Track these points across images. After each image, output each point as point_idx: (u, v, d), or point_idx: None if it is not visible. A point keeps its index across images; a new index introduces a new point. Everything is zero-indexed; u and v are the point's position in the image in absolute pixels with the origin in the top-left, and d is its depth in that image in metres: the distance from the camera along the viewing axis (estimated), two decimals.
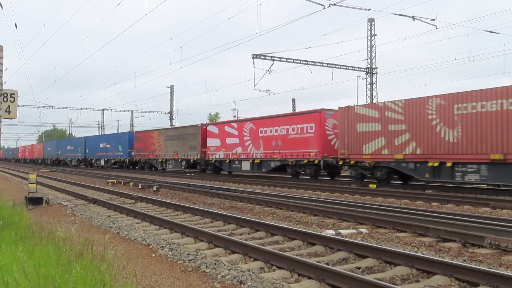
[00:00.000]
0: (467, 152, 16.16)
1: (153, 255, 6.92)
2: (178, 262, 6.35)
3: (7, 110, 8.86)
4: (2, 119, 8.86)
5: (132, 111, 67.11)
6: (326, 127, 22.99)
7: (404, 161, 18.43)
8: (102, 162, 47.35)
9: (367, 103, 34.75)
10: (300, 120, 24.35)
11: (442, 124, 17.01)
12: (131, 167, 42.87)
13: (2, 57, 8.32)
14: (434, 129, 17.26)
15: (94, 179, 28.29)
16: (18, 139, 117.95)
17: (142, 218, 10.46)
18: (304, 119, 24.04)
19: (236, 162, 28.95)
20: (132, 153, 41.60)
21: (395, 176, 20.75)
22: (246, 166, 27.86)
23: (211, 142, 31.22)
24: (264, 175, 25.53)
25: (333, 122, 22.85)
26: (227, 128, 30.06)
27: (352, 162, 20.89)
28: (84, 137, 54.24)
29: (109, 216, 11.21)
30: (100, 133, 66.07)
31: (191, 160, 33.35)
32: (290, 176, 25.64)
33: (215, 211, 10.98)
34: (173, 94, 60.87)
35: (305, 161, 23.78)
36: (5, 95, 8.77)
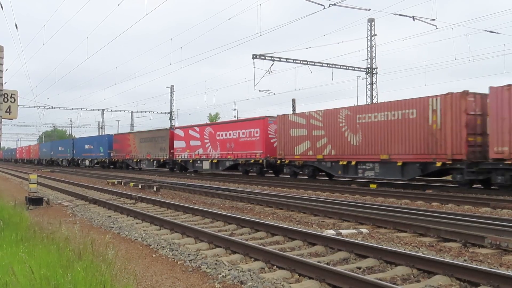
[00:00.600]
0: (366, 153, 20.01)
1: (154, 255, 6.92)
2: (179, 263, 6.35)
3: (8, 110, 8.86)
4: (3, 120, 8.86)
5: (132, 112, 67.17)
6: (269, 132, 26.71)
7: (324, 160, 22.29)
8: (87, 162, 51.23)
9: (366, 103, 34.77)
10: (249, 125, 28.20)
11: (349, 130, 20.86)
12: (111, 166, 46.28)
13: (3, 58, 8.33)
14: (343, 134, 21.08)
15: (94, 179, 28.29)
16: (18, 140, 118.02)
17: (143, 219, 10.46)
18: (252, 125, 27.87)
19: (198, 161, 32.91)
20: (112, 154, 45.32)
21: (321, 173, 24.23)
22: (206, 165, 31.91)
23: (178, 144, 35.22)
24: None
25: (275, 127, 26.34)
26: (191, 132, 34.03)
27: (286, 162, 24.90)
28: (72, 139, 58.91)
29: (110, 216, 11.21)
30: (100, 134, 66.17)
31: (161, 160, 37.55)
32: (241, 173, 29.34)
33: (216, 211, 10.99)
34: (173, 94, 60.91)
35: (252, 161, 27.61)
36: (6, 95, 8.78)
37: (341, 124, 21.24)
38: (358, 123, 20.36)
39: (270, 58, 30.78)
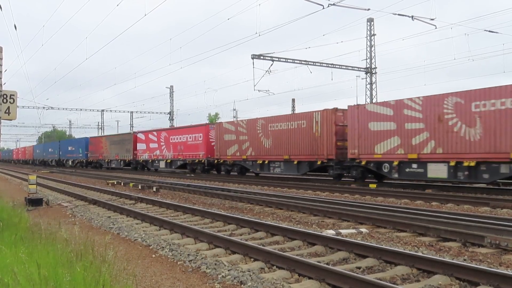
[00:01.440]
0: (275, 154, 25.23)
1: (153, 255, 6.92)
2: (178, 263, 6.35)
3: (7, 111, 8.85)
4: (2, 120, 8.85)
5: (131, 112, 67.13)
6: (210, 136, 31.47)
7: (247, 160, 27.52)
8: (70, 162, 56.49)
9: (366, 102, 34.76)
10: (194, 131, 33.16)
11: (263, 136, 26.09)
12: (89, 166, 51.57)
13: (2, 58, 8.31)
14: (260, 139, 26.31)
15: (94, 180, 28.28)
16: (18, 140, 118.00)
17: (142, 219, 10.45)
18: (196, 131, 32.90)
19: (156, 161, 38.12)
20: (88, 155, 50.84)
21: (250, 171, 29.03)
22: (162, 164, 37.16)
23: (140, 146, 40.66)
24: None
25: (216, 132, 30.84)
26: (150, 136, 39.30)
27: (221, 161, 30.15)
28: (59, 141, 63.87)
29: (109, 217, 11.21)
30: (99, 134, 66.31)
31: (127, 160, 42.70)
32: (189, 171, 34.08)
33: (215, 212, 10.98)
34: (172, 94, 60.90)
35: (197, 161, 32.64)
36: (5, 96, 8.77)
37: (258, 131, 26.52)
38: (269, 131, 25.63)
39: (270, 58, 30.80)
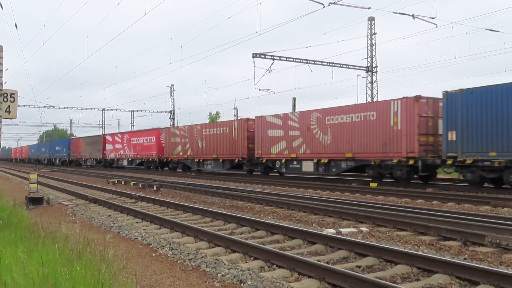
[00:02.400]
0: (207, 154, 31.33)
1: (153, 254, 6.92)
2: (178, 262, 6.34)
3: (7, 110, 8.84)
4: (3, 119, 8.85)
5: (132, 111, 67.15)
6: (161, 139, 37.52)
7: (188, 158, 33.83)
8: (57, 161, 61.85)
9: (366, 101, 34.72)
10: (149, 134, 40.06)
11: (199, 139, 32.23)
12: (71, 164, 57.50)
13: (2, 57, 8.31)
14: (197, 142, 32.49)
15: (95, 178, 28.30)
16: (19, 139, 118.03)
17: (143, 218, 10.46)
18: (150, 134, 39.71)
19: (120, 160, 44.59)
20: (70, 154, 56.90)
21: (190, 169, 34.77)
22: (125, 162, 43.62)
23: (108, 147, 46.97)
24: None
25: (165, 135, 36.93)
26: (116, 138, 46.01)
27: (169, 159, 36.54)
28: (49, 142, 71.32)
29: (110, 215, 11.21)
30: (100, 133, 66.51)
31: (98, 159, 49.12)
32: (145, 168, 40.50)
33: (216, 210, 10.98)
34: (173, 93, 60.90)
35: (150, 159, 39.18)
36: (5, 95, 8.76)
37: (196, 135, 32.65)
38: (203, 135, 31.77)
39: (270, 57, 30.77)
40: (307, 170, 23.32)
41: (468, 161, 16.27)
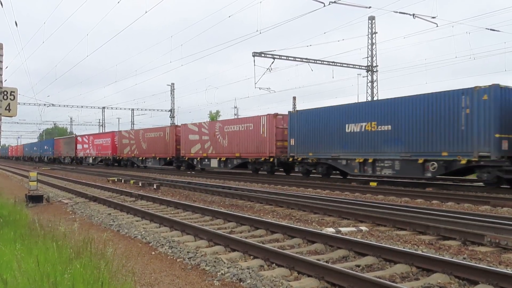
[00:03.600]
0: (148, 153, 39.60)
1: (153, 253, 6.93)
2: (178, 260, 6.35)
3: (7, 108, 8.85)
4: (2, 117, 8.85)
5: (132, 109, 67.15)
6: (115, 140, 45.31)
7: (135, 157, 41.88)
8: (45, 159, 68.40)
9: (367, 100, 34.71)
10: (106, 136, 48.40)
11: (142, 141, 40.08)
12: (55, 161, 64.21)
13: (2, 55, 8.31)
14: (141, 143, 40.38)
15: (95, 177, 28.31)
16: (19, 137, 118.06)
17: (142, 216, 10.46)
18: (107, 136, 47.91)
19: (87, 158, 52.93)
20: (54, 152, 63.92)
21: (135, 165, 43.57)
22: (90, 160, 52.04)
23: (79, 146, 54.86)
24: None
25: (117, 137, 45.04)
26: (84, 139, 54.13)
27: (121, 158, 44.47)
28: (41, 141, 79.49)
29: (110, 214, 11.22)
30: (100, 131, 66.63)
31: (72, 157, 56.58)
32: (105, 165, 47.66)
33: (215, 209, 10.99)
34: (173, 92, 60.91)
35: (106, 157, 47.08)
36: (5, 93, 8.77)
37: (140, 138, 40.73)
38: (146, 138, 39.85)
39: (271, 56, 30.75)
40: (214, 166, 31.62)
41: (299, 159, 23.89)
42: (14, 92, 8.97)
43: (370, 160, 19.99)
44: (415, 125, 18.18)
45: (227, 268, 5.66)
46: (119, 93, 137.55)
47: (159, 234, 8.24)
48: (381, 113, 19.74)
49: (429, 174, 17.89)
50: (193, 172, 32.27)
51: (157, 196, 14.50)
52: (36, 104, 55.36)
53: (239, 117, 59.02)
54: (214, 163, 31.27)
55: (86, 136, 53.74)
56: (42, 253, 5.07)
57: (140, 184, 20.24)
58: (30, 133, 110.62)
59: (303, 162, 23.86)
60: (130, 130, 45.68)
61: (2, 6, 13.11)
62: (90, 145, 51.05)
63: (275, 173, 27.19)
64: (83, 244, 5.54)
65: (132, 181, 21.83)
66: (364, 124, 20.49)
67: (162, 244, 7.28)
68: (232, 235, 7.55)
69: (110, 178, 24.20)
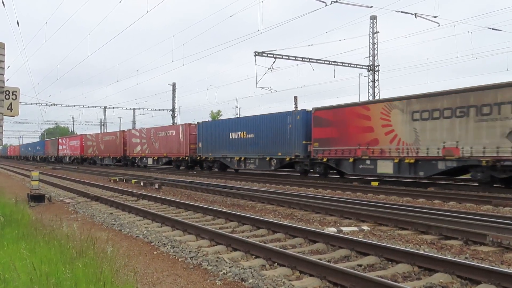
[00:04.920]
0: (105, 153, 47.80)
1: (155, 252, 6.93)
2: (180, 260, 6.35)
3: (9, 107, 8.86)
4: (4, 117, 8.86)
5: (134, 109, 67.23)
6: (82, 142, 53.93)
7: (96, 156, 49.88)
8: (38, 158, 75.92)
9: (373, 98, 34.68)
10: (76, 138, 57.48)
11: (101, 143, 48.36)
12: (45, 160, 70.78)
13: (4, 55, 8.32)
14: (100, 145, 48.66)
15: (96, 176, 28.34)
16: (20, 137, 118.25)
17: (144, 216, 10.47)
18: (77, 138, 56.97)
19: (65, 157, 60.94)
20: (44, 152, 71.76)
21: (97, 163, 51.68)
22: (67, 159, 59.84)
23: (60, 147, 62.61)
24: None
25: (84, 140, 53.85)
26: (63, 140, 63.13)
27: (86, 157, 52.72)
28: (35, 142, 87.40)
29: (111, 213, 11.23)
30: (102, 131, 66.79)
31: (55, 156, 64.50)
32: (76, 163, 56.32)
33: (217, 209, 10.99)
34: (175, 91, 60.96)
35: (77, 157, 55.77)
36: (7, 92, 8.77)
37: (100, 140, 48.58)
38: (103, 141, 47.92)
39: (272, 56, 30.75)
40: (150, 163, 40.24)
41: (204, 158, 32.33)
42: (16, 91, 8.97)
43: (243, 158, 28.32)
44: (265, 134, 26.44)
45: (229, 267, 5.66)
46: (120, 92, 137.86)
47: (161, 233, 8.24)
48: (248, 125, 28.21)
49: (272, 168, 26.37)
50: (194, 172, 32.40)
51: (158, 196, 14.51)
52: (37, 103, 55.53)
53: (240, 116, 60.04)
54: (150, 161, 39.84)
55: (65, 139, 63.21)
56: (45, 253, 5.08)
57: (141, 184, 20.26)
58: (31, 133, 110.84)
59: (206, 160, 32.52)
60: (93, 134, 53.28)
61: (4, 6, 13.13)
62: (67, 146, 60.07)
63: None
64: (85, 243, 5.55)
65: (133, 181, 21.85)
66: (239, 132, 28.83)
67: (164, 244, 7.28)
68: (234, 235, 7.55)
69: (112, 178, 24.22)
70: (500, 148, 15.36)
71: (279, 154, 25.16)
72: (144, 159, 40.33)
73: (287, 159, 24.68)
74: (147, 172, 33.64)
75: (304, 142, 23.70)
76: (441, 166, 17.42)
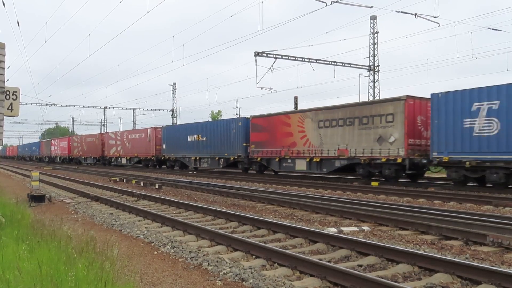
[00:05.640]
0: (86, 153, 53.42)
1: (155, 252, 6.93)
2: (180, 260, 6.36)
3: (9, 107, 8.86)
4: (5, 117, 8.86)
5: (134, 109, 67.18)
6: (70, 144, 58.50)
7: (80, 156, 55.59)
8: (34, 158, 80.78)
9: (374, 98, 34.67)
10: (65, 140, 62.14)
11: (84, 144, 55.05)
12: (40, 160, 75.10)
13: (4, 55, 8.32)
14: (83, 146, 54.17)
15: (97, 176, 28.34)
16: (21, 137, 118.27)
17: (144, 216, 10.47)
18: (65, 140, 62.11)
19: (56, 157, 65.01)
20: (39, 152, 76.32)
21: (80, 162, 56.66)
22: (58, 159, 64.06)
23: (52, 148, 66.41)
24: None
25: (71, 141, 59.05)
26: (54, 142, 66.84)
27: (72, 157, 58.25)
28: (31, 143, 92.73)
29: (112, 213, 11.23)
30: (102, 131, 66.87)
31: (49, 156, 68.61)
32: (63, 161, 62.82)
33: (217, 209, 10.99)
34: (175, 92, 60.94)
35: (65, 157, 60.21)
36: (8, 93, 8.78)
37: (83, 142, 53.78)
38: (86, 142, 53.06)
39: (272, 56, 30.74)
40: (124, 162, 45.14)
41: (167, 157, 37.25)
42: (16, 92, 8.97)
43: (198, 158, 33.17)
44: (215, 138, 30.90)
45: (229, 267, 5.66)
46: (121, 93, 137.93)
47: (161, 233, 8.24)
48: (203, 130, 32.92)
49: (220, 166, 30.72)
50: (194, 172, 32.48)
51: (159, 196, 14.51)
52: (38, 104, 55.52)
53: (240, 116, 60.57)
54: (123, 160, 44.89)
55: (57, 140, 68.15)
56: (45, 253, 5.08)
57: (142, 184, 20.26)
58: (32, 133, 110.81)
59: (169, 159, 37.47)
60: (79, 136, 60.26)
61: (4, 6, 13.14)
62: (58, 147, 64.40)
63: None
64: (85, 244, 5.55)
65: (134, 181, 21.85)
66: (196, 136, 33.51)
67: (164, 244, 7.28)
68: (234, 235, 7.55)
69: (112, 178, 24.22)
70: (373, 150, 19.84)
71: (226, 154, 29.86)
72: (119, 159, 45.56)
73: (232, 158, 29.43)
74: (147, 172, 33.65)
75: (244, 144, 28.29)
76: (337, 164, 21.86)
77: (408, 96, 18.81)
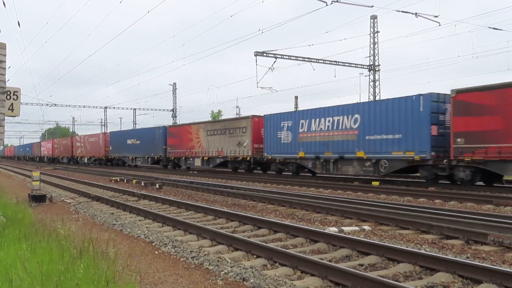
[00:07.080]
0: (62, 153, 61.99)
1: (156, 252, 6.94)
2: (181, 259, 6.36)
3: (10, 108, 8.86)
4: (6, 117, 8.87)
5: (134, 109, 67.32)
6: (54, 145, 65.93)
7: (59, 156, 64.74)
8: (27, 158, 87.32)
9: (369, 100, 34.67)
10: (49, 142, 69.51)
11: (61, 146, 62.61)
12: (33, 159, 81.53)
13: (5, 55, 8.32)
14: (61, 147, 62.72)
15: (97, 176, 28.35)
16: (21, 137, 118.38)
17: (145, 216, 10.48)
18: (49, 142, 69.07)
19: (44, 157, 69.97)
20: (32, 153, 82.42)
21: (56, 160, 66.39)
22: (45, 159, 69.81)
23: (42, 149, 72.70)
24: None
25: (56, 143, 65.59)
26: (43, 143, 72.95)
27: (56, 156, 64.47)
28: (26, 144, 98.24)
29: (112, 213, 11.23)
30: (102, 131, 66.99)
31: (39, 156, 74.87)
32: (49, 160, 69.37)
33: (218, 209, 11.00)
34: (175, 91, 61.08)
35: (49, 157, 66.86)
36: (8, 93, 8.78)
37: (62, 144, 61.78)
38: (62, 144, 61.37)
39: (273, 55, 30.75)
40: (85, 161, 53.94)
41: (112, 157, 47.34)
42: (17, 92, 8.98)
43: (134, 157, 42.41)
44: (146, 141, 40.18)
45: (230, 267, 5.67)
46: (121, 92, 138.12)
47: (162, 233, 8.25)
48: (137, 135, 42.50)
49: (149, 163, 40.72)
50: (195, 172, 32.58)
51: (159, 196, 14.52)
52: (38, 104, 55.55)
53: (240, 115, 61.27)
54: (85, 159, 54.34)
55: (44, 142, 75.70)
56: (46, 253, 5.09)
57: (142, 184, 20.26)
58: (32, 133, 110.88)
59: (114, 158, 47.40)
60: (60, 139, 66.10)
61: (4, 6, 13.13)
62: (45, 148, 71.25)
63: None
64: (86, 243, 5.55)
65: (134, 181, 21.86)
66: (132, 139, 42.90)
67: (165, 244, 7.29)
68: (235, 235, 7.55)
69: (113, 178, 24.23)
70: (235, 151, 28.99)
71: (152, 154, 39.48)
72: (83, 158, 55.34)
73: (156, 157, 39.14)
74: (148, 172, 33.69)
75: (164, 147, 37.70)
76: (217, 161, 31.13)
77: (253, 115, 28.41)
